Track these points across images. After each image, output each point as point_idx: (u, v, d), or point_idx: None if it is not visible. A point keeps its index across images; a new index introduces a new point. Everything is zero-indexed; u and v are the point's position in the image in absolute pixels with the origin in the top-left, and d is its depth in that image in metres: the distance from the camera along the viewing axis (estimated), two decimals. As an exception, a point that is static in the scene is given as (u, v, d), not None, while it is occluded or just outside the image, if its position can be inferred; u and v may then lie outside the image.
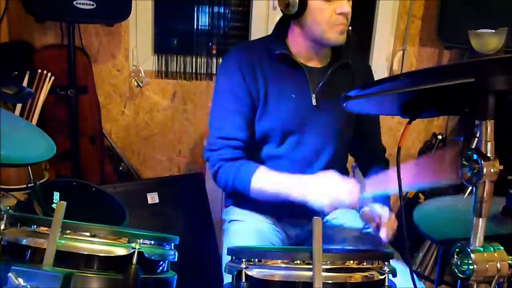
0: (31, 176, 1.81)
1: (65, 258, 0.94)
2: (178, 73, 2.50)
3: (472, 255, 0.83)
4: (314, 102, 1.50)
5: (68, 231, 0.96)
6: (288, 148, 1.52)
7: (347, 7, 1.42)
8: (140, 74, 2.43)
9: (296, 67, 1.50)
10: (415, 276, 1.09)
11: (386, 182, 1.49)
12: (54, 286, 0.87)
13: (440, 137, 2.73)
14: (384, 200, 1.55)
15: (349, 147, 1.69)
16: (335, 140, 1.55)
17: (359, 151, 1.73)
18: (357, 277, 0.97)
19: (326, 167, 1.56)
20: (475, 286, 0.85)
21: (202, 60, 2.51)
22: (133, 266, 0.95)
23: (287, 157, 1.52)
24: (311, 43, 1.49)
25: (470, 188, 0.86)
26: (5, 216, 1.03)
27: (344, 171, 1.69)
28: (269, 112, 1.50)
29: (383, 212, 1.43)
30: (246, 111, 1.48)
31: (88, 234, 0.97)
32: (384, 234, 1.37)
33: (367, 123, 1.66)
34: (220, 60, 2.41)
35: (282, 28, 1.54)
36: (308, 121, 1.50)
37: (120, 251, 0.96)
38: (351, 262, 0.98)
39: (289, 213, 1.58)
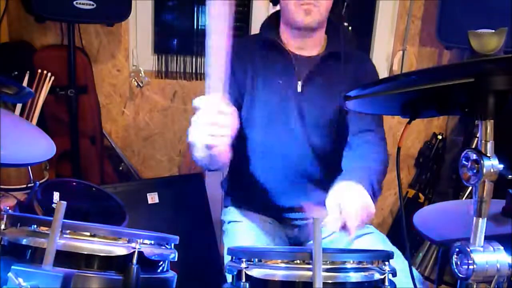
0: (31, 176, 1.81)
1: (65, 258, 0.94)
2: (178, 73, 2.50)
3: (472, 255, 0.83)
4: (299, 89, 1.51)
5: (68, 231, 0.96)
6: (276, 135, 1.52)
7: None
8: (140, 74, 2.43)
9: (284, 54, 1.52)
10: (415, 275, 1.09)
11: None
12: (54, 286, 0.87)
13: (440, 137, 2.74)
14: (365, 178, 1.32)
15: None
16: (322, 130, 1.54)
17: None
18: (357, 277, 0.97)
19: (320, 156, 1.55)
20: (475, 286, 0.85)
21: (202, 60, 2.51)
22: (133, 266, 0.95)
23: (275, 144, 1.52)
24: (290, 29, 1.51)
25: (469, 188, 0.86)
26: (5, 216, 1.03)
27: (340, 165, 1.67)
28: (257, 101, 1.52)
29: (346, 200, 1.19)
30: (236, 91, 1.48)
31: (88, 234, 0.97)
32: (348, 232, 1.18)
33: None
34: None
35: (274, 19, 1.57)
36: (293, 108, 1.51)
37: (120, 251, 0.96)
38: (351, 262, 0.98)
39: (288, 214, 1.59)
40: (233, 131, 1.12)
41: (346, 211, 1.17)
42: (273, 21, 1.57)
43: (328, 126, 1.55)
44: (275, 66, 1.52)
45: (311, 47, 1.55)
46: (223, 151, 1.12)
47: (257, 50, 1.54)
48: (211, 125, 1.08)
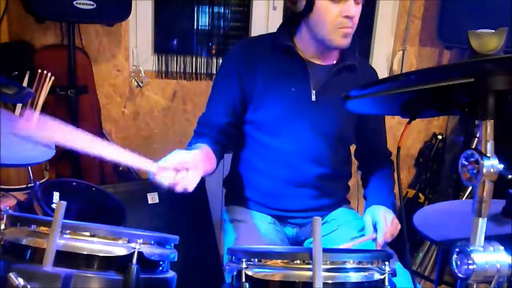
0: (31, 176, 1.81)
1: (65, 258, 0.93)
2: (178, 73, 2.50)
3: (472, 255, 0.83)
4: (313, 98, 1.51)
5: (68, 231, 0.96)
6: (284, 140, 1.52)
7: (353, 11, 1.40)
8: (140, 74, 2.43)
9: (299, 61, 1.51)
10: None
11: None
12: (54, 286, 0.87)
13: (440, 137, 2.74)
14: (388, 201, 1.56)
15: (352, 150, 1.69)
16: (333, 139, 1.55)
17: (362, 155, 1.73)
18: (357, 277, 0.97)
19: (326, 166, 1.56)
20: (475, 286, 0.85)
21: (202, 60, 2.51)
22: (133, 266, 0.95)
23: (282, 149, 1.52)
24: (316, 43, 1.49)
25: (470, 188, 0.86)
26: (5, 216, 1.02)
27: (346, 172, 1.69)
28: (266, 103, 1.51)
29: (382, 219, 1.47)
30: (230, 102, 1.53)
31: (88, 234, 0.97)
32: (379, 240, 1.44)
33: (371, 127, 1.66)
34: (220, 60, 2.43)
35: (291, 23, 1.55)
36: (305, 116, 1.51)
37: (120, 251, 0.96)
38: (351, 262, 0.98)
39: (288, 214, 1.59)
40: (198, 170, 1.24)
41: (382, 230, 1.44)
42: (289, 26, 1.55)
43: (338, 136, 1.56)
44: (288, 73, 1.51)
45: (327, 57, 1.54)
46: (198, 181, 1.24)
47: (270, 54, 1.52)
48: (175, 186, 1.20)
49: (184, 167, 1.21)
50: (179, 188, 1.20)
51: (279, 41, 1.51)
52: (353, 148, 1.73)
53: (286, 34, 1.53)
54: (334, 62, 1.55)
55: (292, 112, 1.50)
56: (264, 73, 1.51)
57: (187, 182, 1.20)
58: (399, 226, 1.48)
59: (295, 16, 1.50)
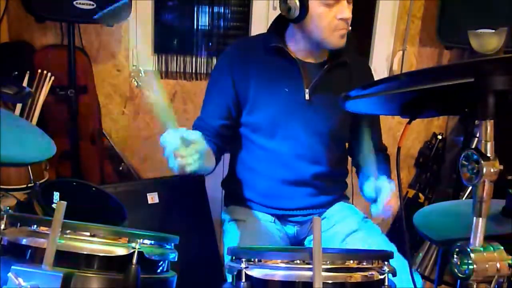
0: (31, 176, 1.81)
1: (65, 258, 0.94)
2: (178, 73, 2.50)
3: (472, 255, 0.83)
4: (307, 97, 1.51)
5: (68, 231, 0.96)
6: (280, 141, 1.52)
7: (347, 13, 1.43)
8: (140, 74, 2.43)
9: (291, 61, 1.51)
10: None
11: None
12: (54, 286, 0.87)
13: (440, 137, 2.74)
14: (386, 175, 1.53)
15: (347, 147, 1.70)
16: (328, 137, 1.55)
17: (357, 151, 1.71)
18: (357, 277, 0.97)
19: (322, 164, 1.56)
20: (475, 286, 0.85)
21: (202, 60, 2.51)
22: (133, 266, 0.95)
23: (279, 150, 1.53)
24: (310, 44, 1.50)
25: (470, 188, 0.86)
26: (5, 216, 1.02)
27: (343, 171, 1.69)
28: (261, 105, 1.52)
29: (387, 187, 1.44)
30: (225, 105, 1.54)
31: (88, 234, 0.97)
32: (386, 208, 1.41)
33: (365, 123, 1.63)
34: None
35: (280, 23, 1.55)
36: (300, 115, 1.51)
37: (120, 251, 0.96)
38: (351, 262, 0.98)
39: (288, 213, 1.59)
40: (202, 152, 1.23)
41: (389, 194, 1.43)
42: (279, 26, 1.55)
43: (333, 134, 1.56)
44: (281, 73, 1.52)
45: (318, 55, 1.55)
46: (197, 167, 1.22)
47: (262, 55, 1.53)
48: (176, 157, 1.19)
49: (193, 146, 1.20)
50: (179, 162, 1.19)
51: (269, 42, 1.52)
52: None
53: (276, 35, 1.54)
54: (325, 59, 1.56)
55: (287, 112, 1.51)
56: (257, 75, 1.51)
57: (190, 161, 1.19)
58: (398, 203, 1.47)
59: (287, 20, 1.50)
